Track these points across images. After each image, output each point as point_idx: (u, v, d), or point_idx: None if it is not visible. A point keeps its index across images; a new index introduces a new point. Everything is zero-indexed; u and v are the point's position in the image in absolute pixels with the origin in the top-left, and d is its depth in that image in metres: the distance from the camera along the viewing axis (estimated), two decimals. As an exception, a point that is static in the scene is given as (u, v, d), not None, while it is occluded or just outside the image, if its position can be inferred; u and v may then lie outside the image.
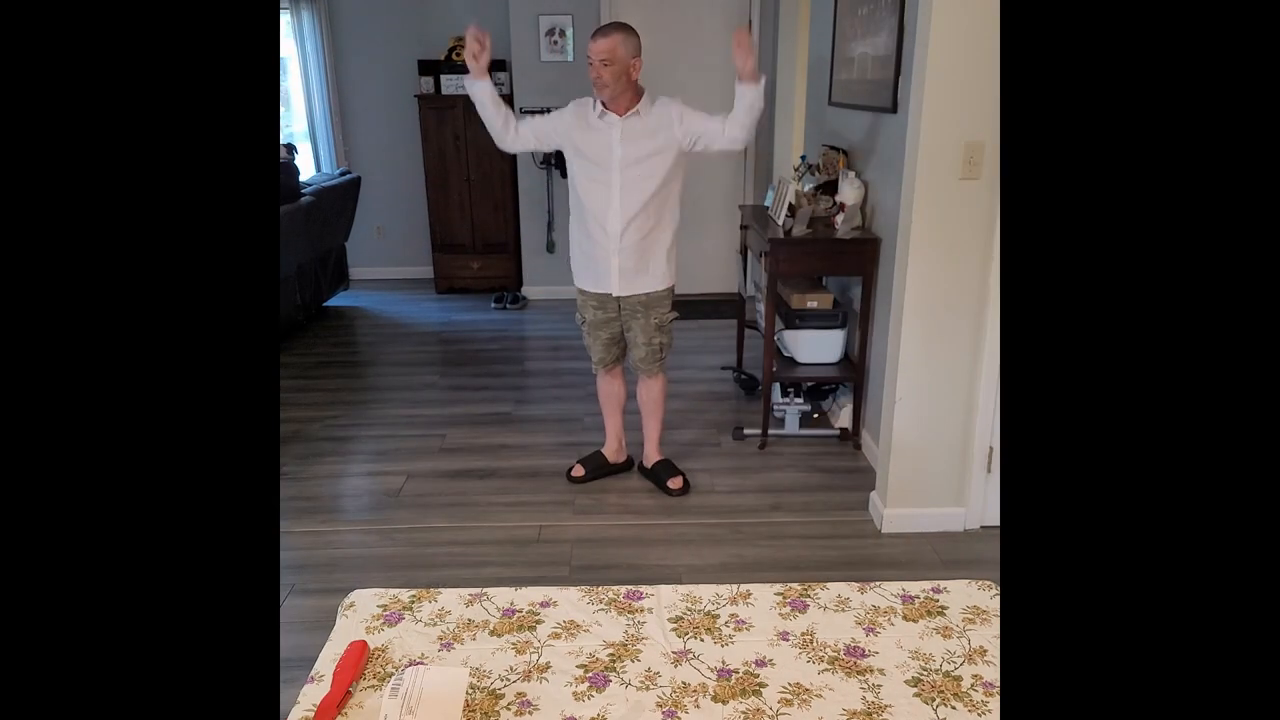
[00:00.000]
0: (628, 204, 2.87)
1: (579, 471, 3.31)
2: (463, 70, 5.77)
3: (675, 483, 3.21)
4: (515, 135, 2.97)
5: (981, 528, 2.95)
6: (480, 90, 2.91)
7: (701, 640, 1.66)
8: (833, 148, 3.94)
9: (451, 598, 1.80)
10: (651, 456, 3.33)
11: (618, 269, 2.96)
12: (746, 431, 3.72)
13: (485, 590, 1.83)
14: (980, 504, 2.93)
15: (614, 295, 3.02)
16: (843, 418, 3.71)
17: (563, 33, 5.50)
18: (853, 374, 3.58)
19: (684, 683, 1.54)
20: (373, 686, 1.53)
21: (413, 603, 1.78)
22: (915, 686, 1.54)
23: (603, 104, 2.86)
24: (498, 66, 5.88)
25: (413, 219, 6.37)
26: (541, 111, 3.11)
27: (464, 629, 1.70)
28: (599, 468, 3.35)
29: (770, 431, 3.64)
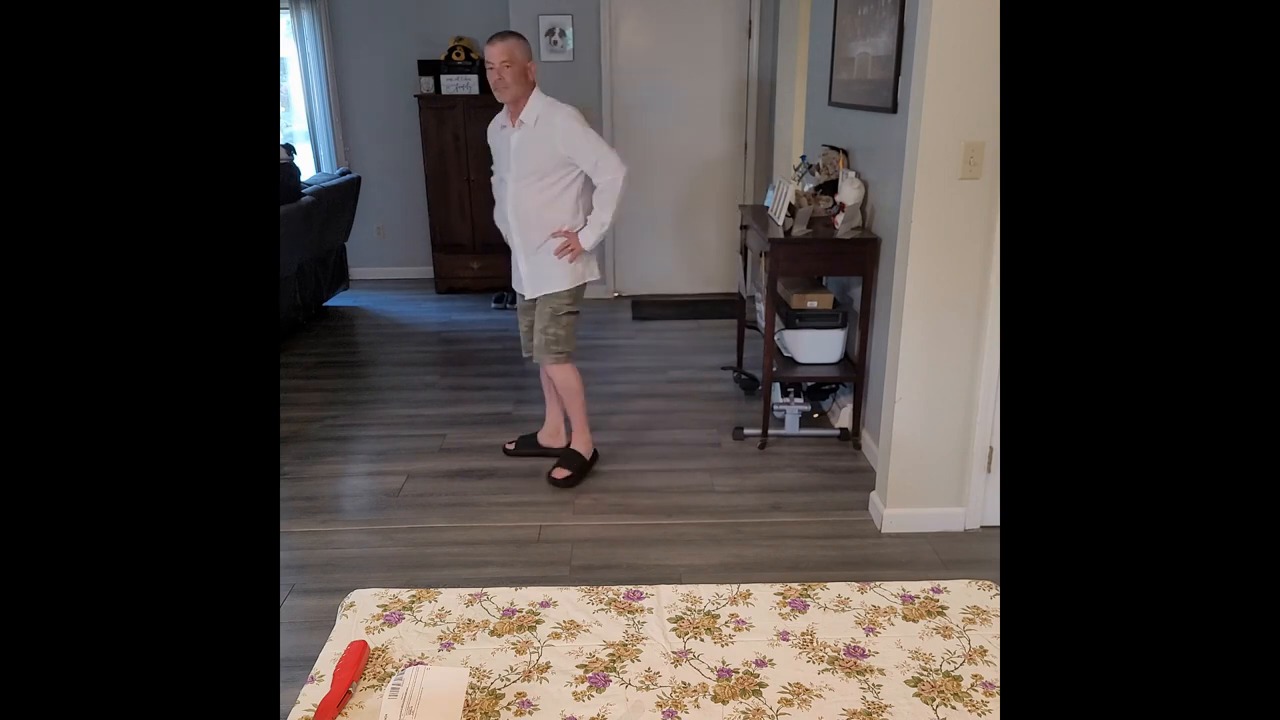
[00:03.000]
0: (518, 211, 3.03)
1: (563, 473, 3.34)
2: (463, 70, 5.80)
3: (560, 473, 3.30)
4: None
5: (981, 528, 2.95)
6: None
7: (701, 640, 1.66)
8: (833, 148, 3.94)
9: (451, 598, 1.80)
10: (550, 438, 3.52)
11: (525, 271, 3.14)
12: (746, 431, 3.72)
13: (485, 590, 1.83)
14: (980, 504, 2.93)
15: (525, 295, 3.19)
16: (843, 418, 3.71)
17: (563, 32, 5.50)
18: (853, 374, 3.58)
19: (684, 683, 1.54)
20: (373, 686, 1.53)
21: (413, 603, 1.78)
22: (915, 686, 1.54)
23: (509, 113, 2.99)
24: (498, 66, 5.88)
25: (413, 219, 6.38)
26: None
27: (464, 629, 1.70)
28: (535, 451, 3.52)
29: (770, 431, 3.64)
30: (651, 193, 5.74)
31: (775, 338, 3.70)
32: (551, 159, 2.94)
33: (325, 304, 5.81)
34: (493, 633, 1.69)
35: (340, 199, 5.52)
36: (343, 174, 5.71)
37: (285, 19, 5.86)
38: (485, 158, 5.87)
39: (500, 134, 3.04)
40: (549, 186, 2.97)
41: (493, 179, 3.16)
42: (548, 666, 1.59)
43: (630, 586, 1.83)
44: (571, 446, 3.36)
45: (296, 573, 2.74)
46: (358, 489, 3.34)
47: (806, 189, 3.75)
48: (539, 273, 3.11)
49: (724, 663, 1.60)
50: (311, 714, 1.45)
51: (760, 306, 4.29)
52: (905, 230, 2.70)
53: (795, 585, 1.84)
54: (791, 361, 3.68)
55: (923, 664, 1.59)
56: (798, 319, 3.59)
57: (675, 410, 4.00)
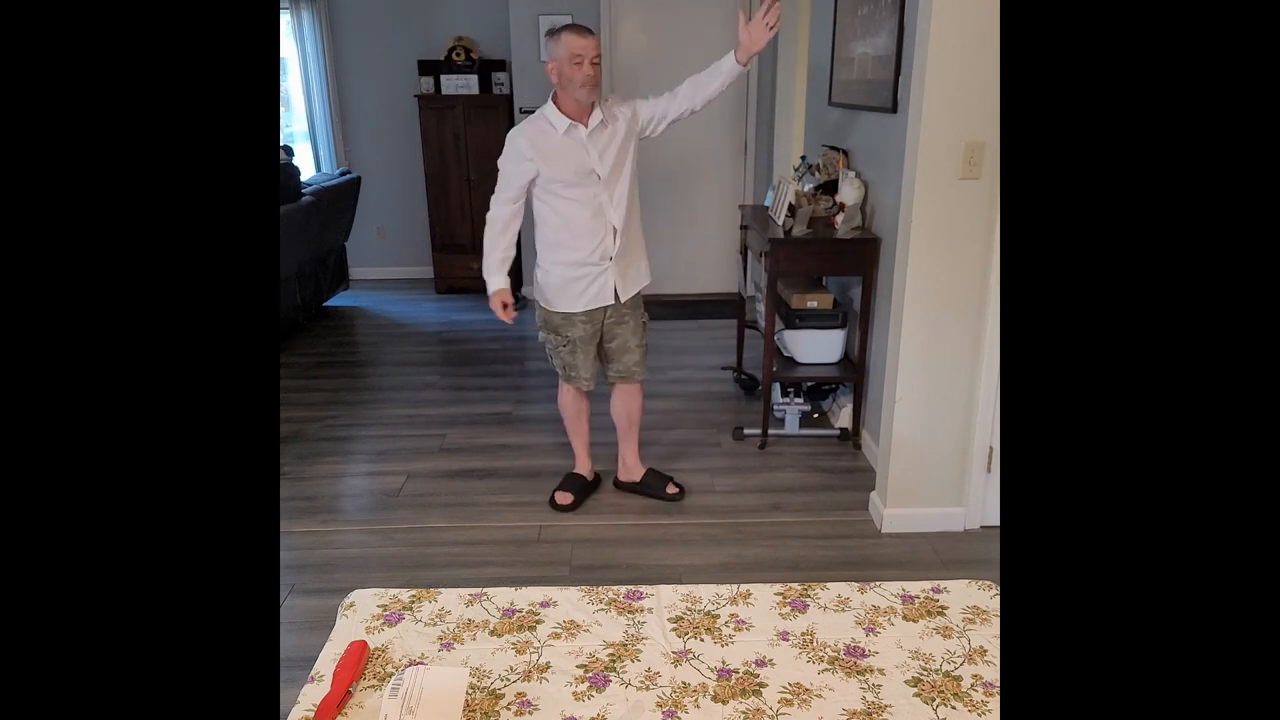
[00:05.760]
0: (619, 212, 2.83)
1: (567, 499, 3.15)
2: (463, 70, 5.79)
3: (673, 488, 3.16)
4: (517, 214, 2.94)
5: (981, 528, 2.95)
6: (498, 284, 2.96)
7: (701, 640, 1.66)
8: (833, 148, 3.94)
9: (451, 598, 1.80)
10: (638, 470, 3.24)
11: (617, 276, 2.89)
12: (746, 431, 3.72)
13: (485, 590, 1.83)
14: (980, 504, 2.93)
15: (619, 302, 2.93)
16: (843, 418, 3.71)
17: (563, 33, 5.50)
18: (853, 374, 3.58)
19: (684, 683, 1.54)
20: (373, 686, 1.53)
21: (413, 603, 1.78)
22: (915, 686, 1.54)
23: (567, 116, 2.74)
24: (497, 67, 5.89)
25: (413, 219, 6.37)
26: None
27: (464, 629, 1.70)
28: (583, 490, 3.22)
29: (770, 431, 3.64)
30: (651, 193, 5.73)
31: (775, 338, 3.70)
32: (627, 146, 2.83)
33: (325, 304, 5.81)
34: (493, 633, 1.69)
35: (340, 199, 5.51)
36: (343, 174, 5.71)
37: (285, 19, 5.86)
38: (485, 157, 5.88)
39: (563, 143, 2.75)
40: (630, 176, 2.85)
41: (557, 204, 2.83)
42: (548, 666, 1.59)
43: (630, 586, 1.83)
44: (650, 468, 3.26)
45: (296, 573, 2.74)
46: (358, 489, 3.34)
47: (806, 189, 3.75)
48: (636, 271, 2.95)
49: (724, 663, 1.60)
50: (311, 714, 1.45)
51: (760, 306, 4.29)
52: (905, 230, 2.70)
53: (795, 585, 1.84)
54: (791, 361, 3.68)
55: (923, 664, 1.59)
56: (798, 319, 3.59)
57: (675, 410, 4.00)
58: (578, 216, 2.81)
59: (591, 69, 2.70)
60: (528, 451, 3.61)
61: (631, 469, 3.25)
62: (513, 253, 2.90)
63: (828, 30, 4.00)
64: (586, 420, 3.23)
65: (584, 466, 3.26)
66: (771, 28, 2.68)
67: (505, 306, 2.90)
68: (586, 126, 2.76)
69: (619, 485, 3.28)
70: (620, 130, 2.82)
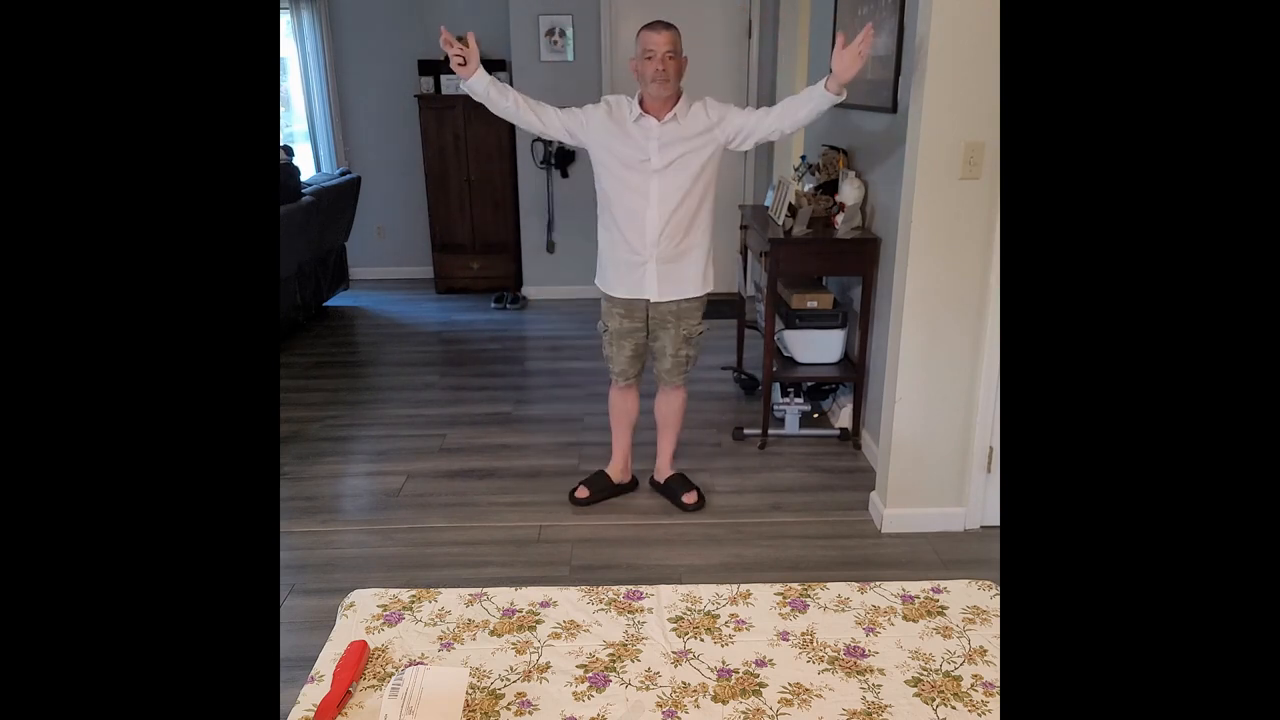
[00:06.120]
0: (664, 208, 2.80)
1: (584, 494, 3.15)
2: (462, 71, 5.78)
3: (690, 497, 3.12)
4: (542, 122, 2.87)
5: (981, 528, 2.95)
6: (476, 87, 2.80)
7: (701, 640, 1.66)
8: (833, 148, 3.94)
9: (451, 598, 1.80)
10: (664, 471, 3.23)
11: (655, 275, 2.87)
12: (746, 431, 3.72)
13: (485, 590, 1.83)
14: (980, 504, 2.93)
15: (651, 300, 2.92)
16: (843, 418, 3.71)
17: (563, 33, 5.50)
18: (853, 374, 3.58)
19: (684, 683, 1.54)
20: (373, 686, 1.53)
21: (413, 603, 1.78)
22: (915, 686, 1.54)
23: (641, 107, 2.77)
24: (497, 66, 5.88)
25: (413, 219, 6.37)
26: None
27: (464, 629, 1.70)
28: (604, 489, 3.21)
29: (770, 431, 3.64)
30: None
31: (775, 338, 3.70)
32: (700, 149, 2.78)
33: (325, 304, 5.81)
34: (493, 633, 1.69)
35: (340, 199, 5.51)
36: (343, 174, 5.71)
37: (285, 19, 5.86)
38: (485, 158, 5.88)
39: (632, 131, 2.78)
40: (694, 178, 2.79)
41: (608, 185, 2.84)
42: (548, 666, 1.59)
43: (630, 586, 1.83)
44: (677, 472, 3.24)
45: (296, 573, 2.74)
46: (358, 489, 3.34)
47: (806, 189, 3.75)
48: (682, 275, 2.89)
49: (724, 663, 1.60)
50: (311, 714, 1.45)
51: (760, 306, 4.29)
52: (905, 230, 2.70)
53: (795, 585, 1.84)
54: (791, 361, 3.68)
55: (923, 664, 1.60)
56: (798, 319, 3.59)
57: (675, 410, 3.99)
58: (624, 201, 2.84)
59: (662, 65, 2.70)
60: (528, 451, 3.61)
61: (660, 469, 3.26)
62: (504, 101, 2.84)
63: (828, 30, 4.00)
64: (628, 422, 3.19)
65: (614, 468, 3.23)
66: (861, 55, 2.61)
67: (453, 43, 2.73)
68: (660, 121, 2.77)
69: (652, 484, 3.28)
70: (694, 130, 2.78)
